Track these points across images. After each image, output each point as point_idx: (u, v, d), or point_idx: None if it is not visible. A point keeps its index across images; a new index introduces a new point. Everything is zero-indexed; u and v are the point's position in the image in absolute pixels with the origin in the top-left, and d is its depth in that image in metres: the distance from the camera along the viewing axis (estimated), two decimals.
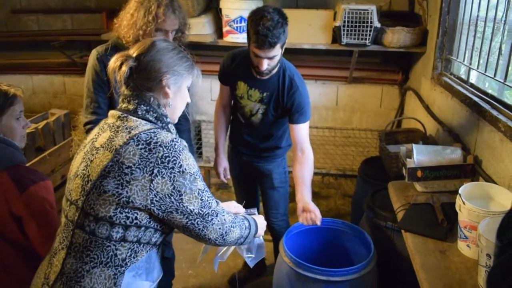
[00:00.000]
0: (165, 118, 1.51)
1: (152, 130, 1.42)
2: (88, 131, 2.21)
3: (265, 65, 2.23)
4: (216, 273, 3.15)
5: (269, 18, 2.12)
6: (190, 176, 1.40)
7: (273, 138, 2.60)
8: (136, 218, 1.38)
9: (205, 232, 1.47)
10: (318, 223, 2.26)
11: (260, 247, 1.85)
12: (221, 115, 2.72)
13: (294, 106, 2.38)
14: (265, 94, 2.42)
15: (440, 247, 1.76)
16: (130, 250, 1.41)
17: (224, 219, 1.52)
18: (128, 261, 1.41)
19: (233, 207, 1.84)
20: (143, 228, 1.41)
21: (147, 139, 1.38)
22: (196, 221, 1.44)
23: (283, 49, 2.27)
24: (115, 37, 2.24)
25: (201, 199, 1.43)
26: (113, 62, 1.47)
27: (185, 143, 1.47)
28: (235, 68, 2.47)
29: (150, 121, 1.47)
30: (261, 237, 1.83)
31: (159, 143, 1.38)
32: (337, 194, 4.09)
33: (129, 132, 1.40)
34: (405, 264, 1.93)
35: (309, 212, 2.27)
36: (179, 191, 1.38)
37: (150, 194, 1.35)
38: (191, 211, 1.42)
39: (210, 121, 4.04)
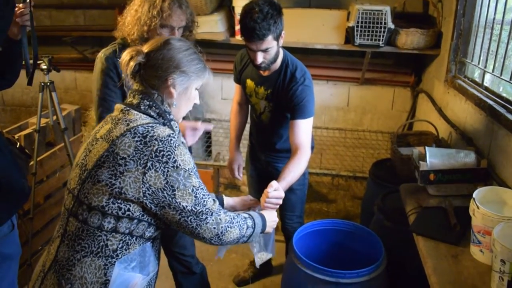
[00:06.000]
0: (168, 115, 1.50)
1: (150, 124, 1.42)
2: None
3: (260, 58, 2.18)
4: (223, 272, 3.16)
5: (257, 10, 2.07)
6: (184, 172, 1.39)
7: (285, 139, 2.54)
8: (128, 210, 1.38)
9: (198, 231, 1.45)
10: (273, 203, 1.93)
11: (272, 246, 1.84)
12: (237, 112, 2.72)
13: (293, 100, 2.28)
14: (269, 91, 2.39)
15: (453, 251, 1.74)
16: (121, 241, 1.41)
17: (220, 219, 1.48)
18: (120, 253, 1.41)
19: (250, 199, 1.85)
20: (135, 221, 1.41)
21: (144, 132, 1.38)
22: (189, 218, 1.42)
23: (280, 42, 2.21)
24: (119, 38, 2.09)
25: (195, 196, 1.41)
26: (125, 55, 1.48)
27: (182, 140, 1.46)
28: (243, 66, 2.48)
29: (152, 116, 1.47)
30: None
31: (155, 136, 1.38)
32: (346, 196, 4.06)
33: (128, 125, 1.41)
34: (415, 268, 1.91)
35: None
36: (172, 186, 1.37)
37: (142, 187, 1.35)
38: (184, 208, 1.40)
39: (220, 120, 4.03)
